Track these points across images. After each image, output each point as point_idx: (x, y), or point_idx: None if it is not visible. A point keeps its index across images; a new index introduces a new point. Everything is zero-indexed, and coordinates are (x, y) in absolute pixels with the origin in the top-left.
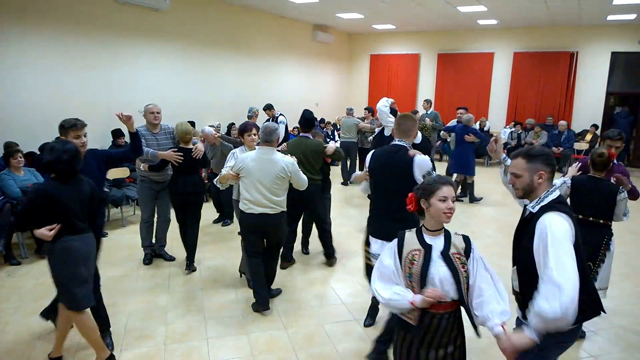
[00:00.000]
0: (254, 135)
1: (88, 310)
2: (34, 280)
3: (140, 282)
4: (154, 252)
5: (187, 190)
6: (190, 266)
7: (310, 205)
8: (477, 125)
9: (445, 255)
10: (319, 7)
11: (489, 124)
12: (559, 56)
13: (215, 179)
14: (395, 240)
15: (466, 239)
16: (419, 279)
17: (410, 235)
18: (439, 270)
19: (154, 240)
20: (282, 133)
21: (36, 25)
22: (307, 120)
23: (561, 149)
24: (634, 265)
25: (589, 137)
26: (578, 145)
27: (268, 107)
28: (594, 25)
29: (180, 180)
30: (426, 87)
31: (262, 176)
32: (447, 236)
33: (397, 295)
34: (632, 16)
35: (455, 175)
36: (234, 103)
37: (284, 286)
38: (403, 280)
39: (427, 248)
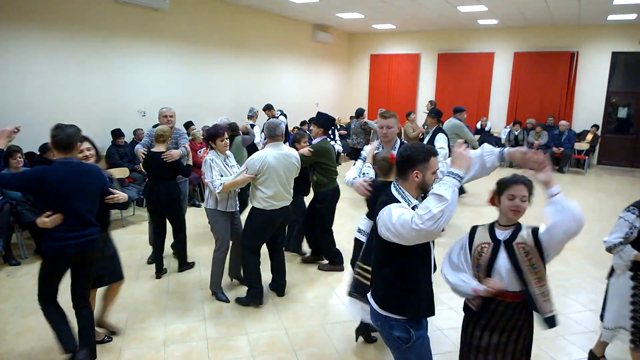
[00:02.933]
0: (227, 139)
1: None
2: (34, 280)
3: (139, 282)
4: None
5: (160, 198)
6: (183, 266)
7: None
8: (478, 125)
9: (508, 244)
10: (319, 7)
11: (489, 124)
12: (559, 56)
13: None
14: (467, 233)
15: (534, 230)
16: (485, 270)
17: (482, 229)
18: (504, 262)
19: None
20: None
21: (35, 25)
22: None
23: (562, 149)
24: None
25: (589, 137)
26: (579, 146)
27: (267, 108)
28: (595, 25)
29: (154, 187)
30: (426, 87)
31: (284, 170)
32: (517, 228)
33: (462, 282)
34: (633, 16)
35: None
36: (233, 103)
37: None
38: (471, 270)
39: (497, 242)
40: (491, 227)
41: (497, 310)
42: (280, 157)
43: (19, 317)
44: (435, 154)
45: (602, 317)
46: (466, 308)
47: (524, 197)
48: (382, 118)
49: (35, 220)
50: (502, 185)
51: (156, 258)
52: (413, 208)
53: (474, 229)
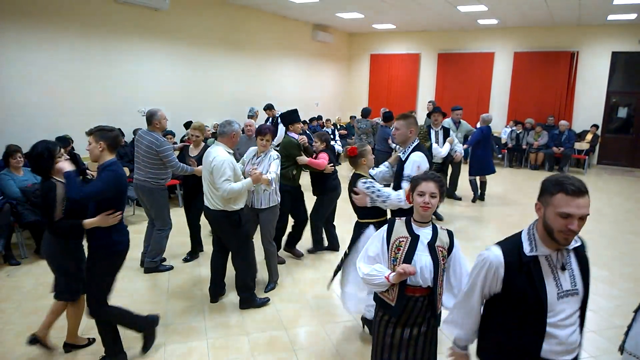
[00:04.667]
0: (267, 141)
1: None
2: (34, 280)
3: (139, 282)
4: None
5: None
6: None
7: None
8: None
9: (431, 246)
10: (319, 7)
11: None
12: (559, 56)
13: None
14: (386, 227)
15: (450, 234)
16: (401, 264)
17: (399, 224)
18: (421, 258)
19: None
20: (282, 133)
21: (35, 25)
22: (283, 117)
23: (562, 149)
24: (634, 265)
25: (589, 137)
26: (578, 145)
27: (268, 107)
28: (595, 25)
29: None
30: (426, 87)
31: (205, 169)
32: (435, 229)
33: (376, 271)
34: (633, 16)
35: (477, 177)
36: (233, 103)
37: (284, 286)
38: (387, 263)
39: (414, 237)
40: (408, 222)
41: (408, 306)
42: (206, 156)
43: (19, 317)
44: (566, 191)
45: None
46: (378, 300)
47: (434, 194)
48: (395, 119)
49: (84, 222)
50: (414, 182)
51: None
52: (546, 258)
53: (392, 222)
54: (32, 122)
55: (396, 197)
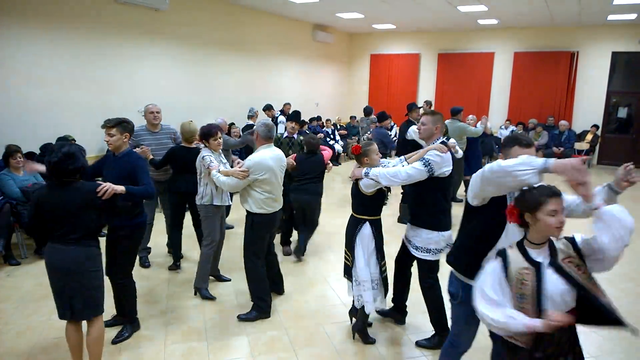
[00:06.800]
0: (220, 138)
1: (66, 323)
2: (34, 280)
3: (138, 282)
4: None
5: (189, 190)
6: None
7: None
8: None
9: (555, 265)
10: (319, 7)
11: (489, 124)
12: (559, 56)
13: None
14: (498, 262)
15: (569, 240)
16: (534, 300)
17: (514, 253)
18: (556, 285)
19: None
20: (280, 133)
21: (35, 25)
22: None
23: (562, 149)
24: (634, 265)
25: (589, 137)
26: (578, 145)
27: (267, 108)
28: (595, 25)
29: (180, 179)
30: (426, 87)
31: (279, 172)
32: (551, 245)
33: (511, 318)
34: (633, 16)
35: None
36: (233, 103)
37: (284, 286)
38: (511, 302)
39: (537, 265)
40: (522, 248)
41: (554, 338)
42: (276, 159)
43: (19, 317)
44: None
45: None
46: (508, 347)
47: (563, 209)
48: (423, 114)
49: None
50: (537, 201)
51: (175, 252)
52: None
53: (503, 254)
54: (33, 122)
55: (414, 171)
